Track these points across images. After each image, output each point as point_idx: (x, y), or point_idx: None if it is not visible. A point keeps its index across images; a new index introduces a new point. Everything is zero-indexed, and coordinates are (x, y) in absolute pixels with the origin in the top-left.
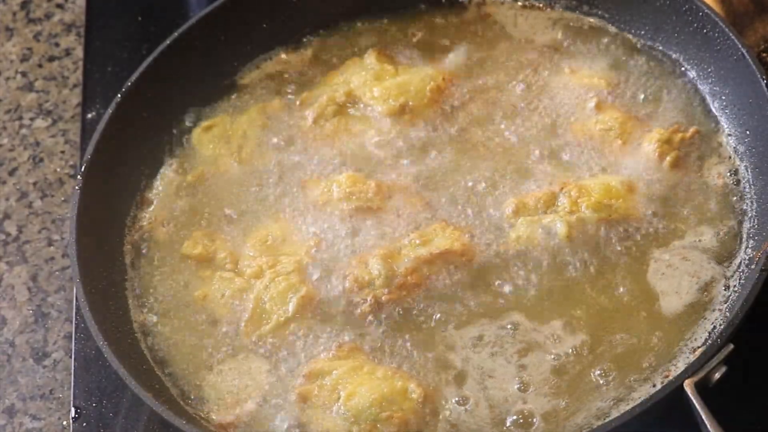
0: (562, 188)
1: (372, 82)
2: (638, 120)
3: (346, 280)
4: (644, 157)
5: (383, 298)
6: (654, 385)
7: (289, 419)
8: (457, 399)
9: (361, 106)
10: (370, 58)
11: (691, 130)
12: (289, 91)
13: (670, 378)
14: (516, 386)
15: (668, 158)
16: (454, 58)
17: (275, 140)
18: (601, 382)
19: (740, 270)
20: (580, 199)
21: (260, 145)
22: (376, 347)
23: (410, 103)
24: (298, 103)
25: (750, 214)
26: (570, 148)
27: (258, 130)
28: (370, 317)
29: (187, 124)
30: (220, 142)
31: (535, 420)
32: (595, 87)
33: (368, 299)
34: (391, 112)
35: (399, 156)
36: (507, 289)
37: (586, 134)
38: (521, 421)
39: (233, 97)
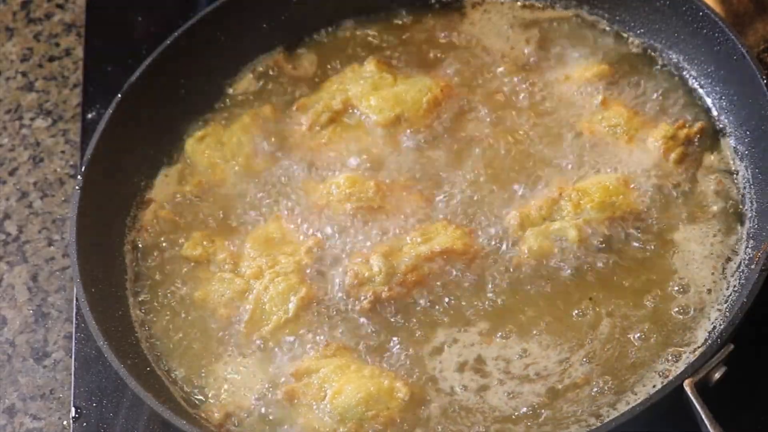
0: (561, 193)
1: (369, 91)
2: (643, 117)
3: (346, 276)
4: (649, 153)
5: (383, 294)
6: (654, 385)
7: (280, 418)
8: (445, 399)
9: (357, 114)
10: (370, 66)
11: (697, 125)
12: (286, 95)
13: (670, 378)
14: (512, 386)
15: (673, 154)
16: (452, 66)
17: (270, 146)
18: (601, 382)
19: (740, 270)
20: (581, 201)
21: (256, 151)
22: (371, 346)
23: (406, 114)
24: (294, 108)
25: (750, 215)
26: (575, 147)
27: (252, 137)
28: (368, 316)
29: (182, 133)
30: (215, 150)
31: (531, 419)
32: (597, 83)
33: (368, 296)
34: (387, 122)
35: (396, 162)
36: (506, 291)
37: (592, 131)
38: (515, 420)
39: (230, 100)
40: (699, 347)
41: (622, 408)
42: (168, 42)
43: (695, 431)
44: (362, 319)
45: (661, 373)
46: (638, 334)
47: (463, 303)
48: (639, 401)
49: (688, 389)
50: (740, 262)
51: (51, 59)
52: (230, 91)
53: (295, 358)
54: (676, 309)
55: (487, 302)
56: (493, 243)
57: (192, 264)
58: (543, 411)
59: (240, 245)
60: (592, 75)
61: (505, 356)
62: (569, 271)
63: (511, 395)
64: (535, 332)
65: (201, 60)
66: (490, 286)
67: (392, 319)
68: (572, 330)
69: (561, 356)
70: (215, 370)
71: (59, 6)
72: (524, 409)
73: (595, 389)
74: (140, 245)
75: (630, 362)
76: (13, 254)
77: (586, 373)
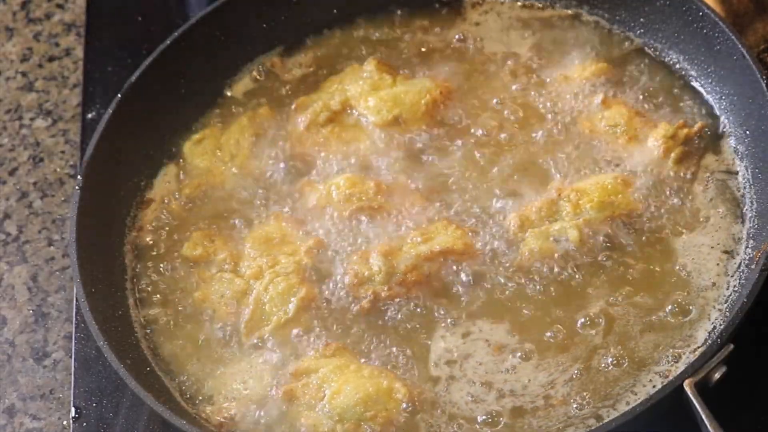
0: (560, 194)
1: (368, 92)
2: (643, 116)
3: (346, 275)
4: (649, 152)
5: (383, 294)
6: (654, 386)
7: (279, 418)
8: (443, 398)
9: (356, 114)
10: (370, 66)
11: (697, 125)
12: (284, 96)
13: (670, 378)
14: (509, 388)
15: (673, 154)
16: (452, 67)
17: (268, 147)
18: (579, 399)
19: (740, 270)
20: (581, 201)
21: (254, 153)
22: (370, 346)
23: (404, 116)
24: (293, 107)
25: (750, 215)
26: (575, 147)
27: (250, 138)
28: (367, 316)
29: (182, 133)
30: (213, 152)
31: (529, 420)
32: (597, 82)
33: (368, 295)
34: (384, 123)
35: (395, 163)
36: (507, 292)
37: (593, 131)
38: (512, 421)
39: (229, 100)
40: (699, 347)
41: (622, 408)
42: (168, 42)
43: (695, 431)
44: (362, 319)
45: (661, 373)
46: (638, 332)
47: (463, 304)
48: (639, 401)
49: (688, 389)
50: (740, 262)
51: (51, 59)
52: (230, 90)
53: (294, 358)
54: (676, 309)
55: (487, 304)
56: (493, 244)
57: (192, 264)
58: (502, 419)
59: (240, 245)
60: (591, 73)
61: (502, 356)
62: (570, 272)
63: (511, 394)
64: (531, 343)
65: (201, 60)
66: (490, 287)
67: (392, 319)
68: (567, 342)
69: (549, 378)
70: (215, 370)
71: (59, 6)
72: (483, 417)
73: (575, 405)
74: (140, 245)
75: (621, 371)
76: (13, 254)
77: (564, 394)
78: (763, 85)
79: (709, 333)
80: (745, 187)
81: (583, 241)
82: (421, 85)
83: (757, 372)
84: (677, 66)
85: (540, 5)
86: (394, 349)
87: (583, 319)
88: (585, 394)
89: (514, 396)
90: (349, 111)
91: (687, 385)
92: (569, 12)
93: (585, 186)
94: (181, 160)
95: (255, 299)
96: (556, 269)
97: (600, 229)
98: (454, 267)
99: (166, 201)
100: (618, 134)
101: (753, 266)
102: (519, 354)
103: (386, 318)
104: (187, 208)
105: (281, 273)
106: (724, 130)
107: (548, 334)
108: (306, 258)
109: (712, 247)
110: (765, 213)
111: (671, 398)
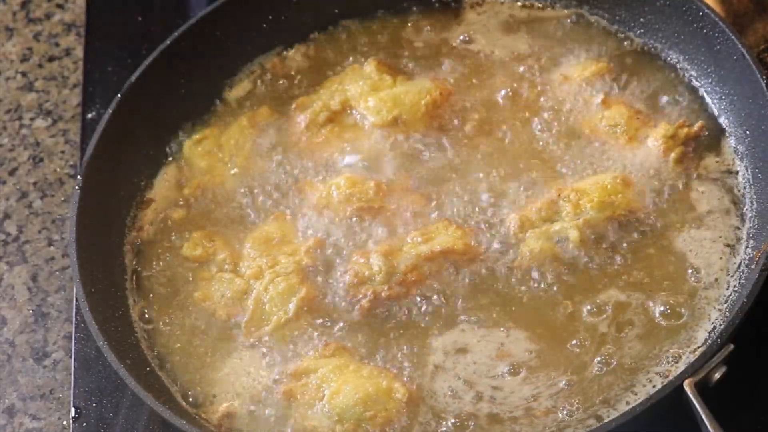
0: (559, 194)
1: (368, 92)
2: (643, 116)
3: (346, 275)
4: (649, 152)
5: (383, 294)
6: (654, 386)
7: (279, 418)
8: (443, 400)
9: (355, 114)
10: (370, 67)
11: (697, 125)
12: (284, 96)
13: (670, 378)
14: (509, 389)
15: (673, 154)
16: (452, 67)
17: (268, 147)
18: (598, 384)
19: (740, 270)
20: (581, 201)
21: (254, 153)
22: (370, 346)
23: (404, 116)
24: (293, 107)
25: (750, 215)
26: (575, 147)
27: (250, 138)
28: (367, 316)
29: (182, 133)
30: (213, 152)
31: (529, 423)
32: (597, 82)
33: (368, 295)
34: (384, 123)
35: (395, 162)
36: (507, 293)
37: (593, 131)
38: (511, 422)
39: (229, 100)
40: (699, 347)
41: (622, 408)
42: (168, 42)
43: (695, 431)
44: (362, 319)
45: (661, 374)
46: (639, 332)
47: (463, 304)
48: (639, 401)
49: (688, 389)
50: (740, 262)
51: (51, 59)
52: (229, 91)
53: (294, 358)
54: (677, 308)
55: (487, 304)
56: (493, 244)
57: (192, 264)
58: (470, 423)
59: (240, 245)
60: (591, 73)
61: (503, 357)
62: (570, 272)
63: (511, 396)
64: (529, 343)
65: (201, 60)
66: (489, 287)
67: (392, 319)
68: (566, 342)
69: (534, 391)
70: (215, 370)
71: (59, 6)
72: (453, 421)
73: (565, 411)
74: (140, 245)
75: (630, 362)
76: (13, 254)
77: (549, 407)
78: (763, 85)
79: (709, 333)
80: (745, 187)
81: (584, 242)
82: (420, 86)
83: (757, 372)
84: (677, 66)
85: (540, 5)
86: (394, 349)
87: (583, 319)
88: (577, 399)
89: (493, 403)
90: (348, 111)
91: (687, 385)
92: (569, 12)
93: (585, 186)
94: (181, 160)
95: (255, 299)
96: (556, 270)
97: (600, 229)
98: (454, 267)
99: (166, 201)
100: (618, 134)
101: (753, 266)
102: (517, 355)
103: (386, 318)
104: (187, 208)
105: (281, 273)
106: (724, 130)
107: (547, 335)
108: (306, 258)
109: (714, 241)
110: (765, 213)
111: (671, 398)
